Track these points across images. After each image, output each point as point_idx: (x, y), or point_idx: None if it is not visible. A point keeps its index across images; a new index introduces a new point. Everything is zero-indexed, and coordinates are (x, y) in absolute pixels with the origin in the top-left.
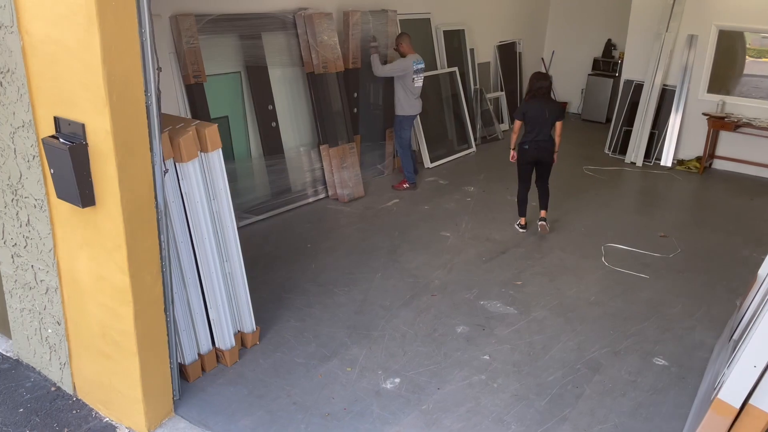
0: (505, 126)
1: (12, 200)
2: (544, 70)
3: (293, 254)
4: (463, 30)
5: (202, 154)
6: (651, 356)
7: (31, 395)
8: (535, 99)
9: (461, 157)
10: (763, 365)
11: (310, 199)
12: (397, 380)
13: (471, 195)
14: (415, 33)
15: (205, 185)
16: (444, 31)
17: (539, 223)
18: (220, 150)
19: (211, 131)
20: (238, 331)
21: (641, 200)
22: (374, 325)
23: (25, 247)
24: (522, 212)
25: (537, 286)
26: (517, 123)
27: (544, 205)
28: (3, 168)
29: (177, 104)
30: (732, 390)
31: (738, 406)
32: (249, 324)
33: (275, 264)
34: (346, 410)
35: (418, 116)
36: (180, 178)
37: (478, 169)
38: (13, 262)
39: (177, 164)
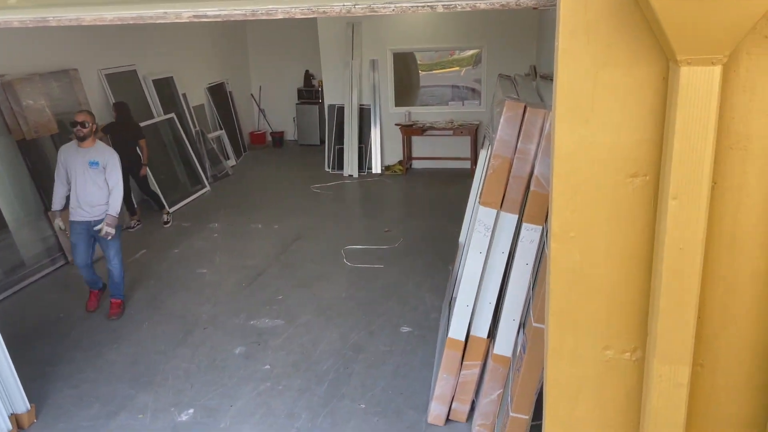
0: (231, 161)
1: None
2: (256, 106)
3: (47, 327)
4: (172, 77)
5: None
6: (398, 327)
7: None
8: None
9: (198, 197)
10: (472, 304)
11: (50, 269)
12: (191, 411)
13: (216, 230)
14: (123, 86)
15: None
16: (153, 80)
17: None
18: None
19: None
20: (12, 414)
21: (364, 205)
22: (154, 370)
23: None
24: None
25: (297, 297)
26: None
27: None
28: None
29: None
30: (456, 329)
31: (463, 338)
32: (22, 404)
33: (30, 341)
34: None
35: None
36: None
37: (216, 206)
38: None
39: None
